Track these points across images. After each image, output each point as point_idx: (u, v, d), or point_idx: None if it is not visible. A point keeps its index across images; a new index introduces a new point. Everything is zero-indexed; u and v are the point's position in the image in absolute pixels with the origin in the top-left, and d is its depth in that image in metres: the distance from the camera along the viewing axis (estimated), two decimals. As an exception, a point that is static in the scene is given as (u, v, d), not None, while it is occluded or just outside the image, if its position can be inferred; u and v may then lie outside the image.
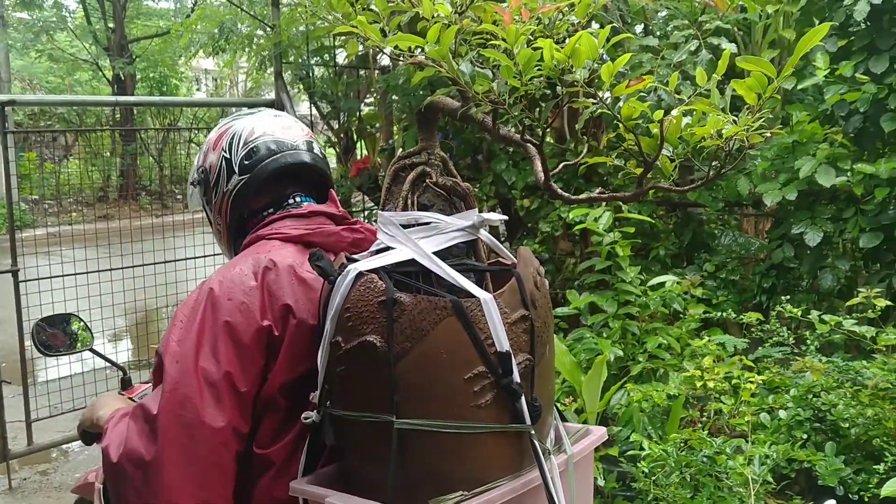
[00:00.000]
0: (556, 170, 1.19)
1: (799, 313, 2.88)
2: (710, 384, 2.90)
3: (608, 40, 1.10)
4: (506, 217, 1.35)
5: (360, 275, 1.23)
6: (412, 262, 1.28)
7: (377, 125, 5.81)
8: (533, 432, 1.22)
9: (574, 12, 1.24)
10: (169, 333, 1.37)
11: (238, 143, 1.57)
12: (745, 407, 2.80)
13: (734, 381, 2.93)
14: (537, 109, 1.15)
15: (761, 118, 1.04)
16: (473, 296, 1.20)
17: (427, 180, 1.38)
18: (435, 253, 1.29)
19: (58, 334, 1.66)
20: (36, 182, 13.75)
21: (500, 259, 1.40)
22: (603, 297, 3.31)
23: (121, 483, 1.31)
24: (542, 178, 1.16)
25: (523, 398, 1.21)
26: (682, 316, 3.38)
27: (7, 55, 14.75)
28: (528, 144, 1.21)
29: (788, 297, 3.37)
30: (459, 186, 1.37)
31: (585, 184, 4.18)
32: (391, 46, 1.14)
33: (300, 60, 5.53)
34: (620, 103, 1.06)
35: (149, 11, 18.19)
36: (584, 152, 1.27)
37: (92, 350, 1.74)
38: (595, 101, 1.07)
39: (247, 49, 6.39)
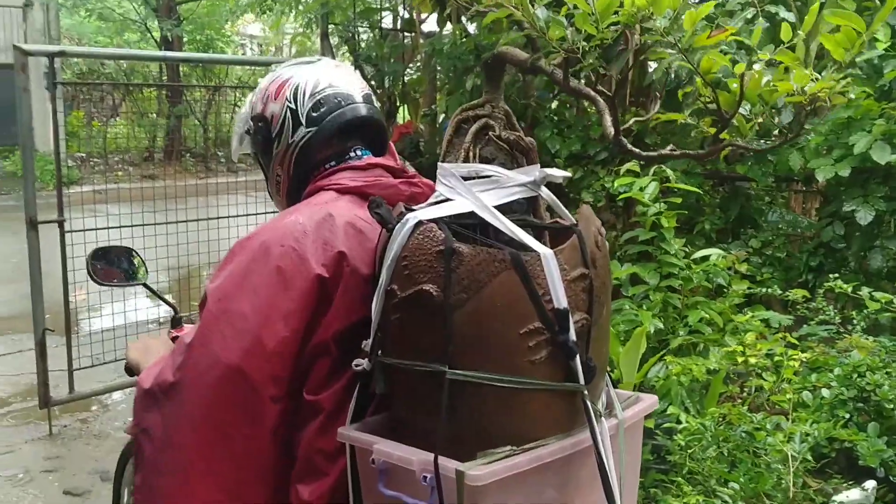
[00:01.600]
0: (628, 125, 1.16)
1: (849, 289, 2.82)
2: (752, 360, 2.86)
3: (685, -9, 1.07)
4: (569, 174, 1.32)
5: (419, 224, 1.22)
6: (472, 214, 1.26)
7: (421, 90, 5.76)
8: (586, 392, 1.21)
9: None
10: (220, 268, 1.39)
11: (304, 95, 1.55)
12: (786, 384, 2.76)
13: (776, 359, 2.89)
14: (610, 61, 1.11)
15: (848, 76, 1.00)
16: (533, 251, 1.18)
17: (490, 133, 1.36)
18: (495, 207, 1.28)
19: (114, 265, 1.68)
20: (83, 140, 13.98)
21: (558, 219, 1.37)
22: (645, 268, 3.26)
23: (150, 410, 1.35)
24: (612, 132, 1.13)
25: (578, 357, 1.19)
26: (725, 291, 3.33)
27: (57, 13, 14.87)
28: (599, 97, 1.18)
29: (836, 276, 3.30)
30: (523, 141, 1.35)
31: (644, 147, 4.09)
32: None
33: (346, 22, 5.50)
34: (699, 56, 1.02)
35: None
36: (656, 106, 1.24)
37: (146, 286, 1.75)
38: (673, 52, 1.03)
39: (293, 10, 6.37)
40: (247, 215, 4.79)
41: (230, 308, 1.34)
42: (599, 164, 4.32)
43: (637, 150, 1.23)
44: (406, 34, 5.71)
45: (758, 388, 2.83)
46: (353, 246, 1.39)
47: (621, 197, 3.46)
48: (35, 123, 3.57)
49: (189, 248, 4.67)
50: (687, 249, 3.38)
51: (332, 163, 1.57)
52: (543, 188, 1.34)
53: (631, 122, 1.23)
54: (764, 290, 3.23)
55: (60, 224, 3.85)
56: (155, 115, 15.13)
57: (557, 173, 1.31)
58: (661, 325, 3.06)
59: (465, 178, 1.30)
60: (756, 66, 1.04)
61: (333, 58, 4.92)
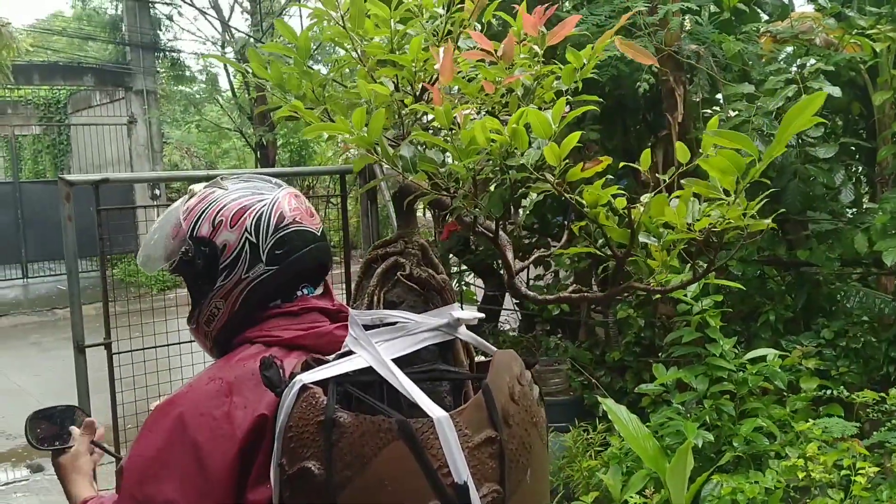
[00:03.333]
0: (530, 260, 1.01)
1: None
2: (815, 475, 2.52)
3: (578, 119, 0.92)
4: (482, 315, 1.17)
5: (303, 388, 1.08)
6: (372, 369, 1.12)
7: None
8: (503, 581, 1.02)
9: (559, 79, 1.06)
10: (139, 438, 1.31)
11: (267, 228, 1.44)
12: (855, 502, 2.41)
13: (844, 472, 2.54)
14: (483, 196, 0.97)
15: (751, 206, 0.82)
16: (426, 415, 1.02)
17: (399, 273, 1.22)
18: (400, 358, 1.13)
19: (55, 427, 1.62)
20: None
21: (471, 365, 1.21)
22: (693, 371, 2.98)
23: None
24: (506, 276, 0.98)
25: (489, 538, 1.01)
26: (785, 394, 3.00)
27: (159, 128, 15.92)
28: (500, 238, 1.03)
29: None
30: (434, 279, 1.21)
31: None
32: (320, 134, 1.01)
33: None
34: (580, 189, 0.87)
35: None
36: (563, 239, 1.08)
37: (95, 443, 1.68)
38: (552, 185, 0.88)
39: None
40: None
41: (153, 494, 1.26)
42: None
43: (533, 294, 1.08)
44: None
45: (823, 508, 2.48)
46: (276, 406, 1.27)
47: (657, 296, 3.22)
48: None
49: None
50: (738, 350, 3.08)
51: (278, 300, 1.47)
52: (462, 328, 1.19)
53: (534, 256, 1.08)
54: (829, 392, 2.88)
55: (108, 346, 3.90)
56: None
57: (469, 315, 1.16)
58: (711, 438, 2.76)
59: (369, 327, 1.16)
60: (644, 198, 0.87)
61: (380, 165, 4.93)
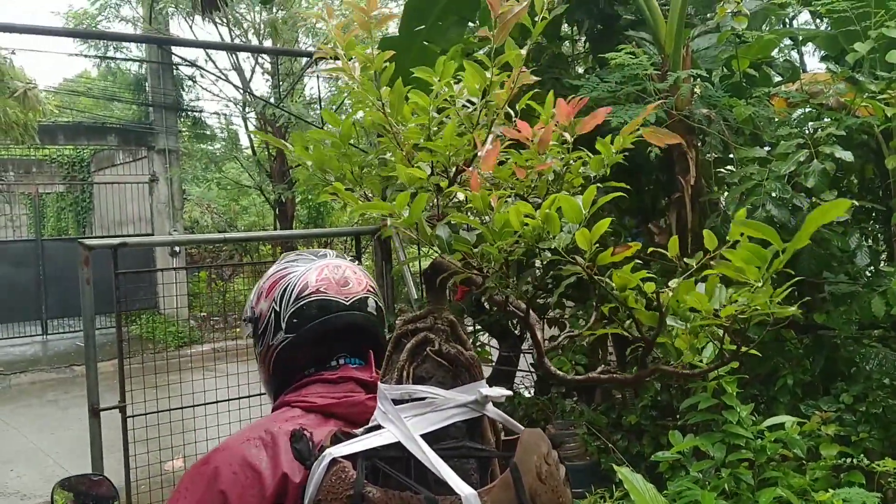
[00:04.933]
0: (558, 341, 1.03)
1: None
2: (840, 549, 2.48)
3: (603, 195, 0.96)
4: (510, 393, 1.19)
5: (333, 461, 1.10)
6: (401, 444, 1.14)
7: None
8: None
9: (588, 166, 1.11)
10: (176, 493, 1.34)
11: (289, 298, 1.51)
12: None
13: (869, 547, 2.50)
14: (514, 277, 1.01)
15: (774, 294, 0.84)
16: (454, 493, 1.04)
17: (429, 348, 1.25)
18: (428, 434, 1.15)
19: (80, 496, 1.63)
20: (205, 300, 14.76)
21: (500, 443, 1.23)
22: (710, 439, 2.96)
23: None
24: (536, 354, 1.00)
25: None
26: (804, 462, 2.96)
27: (180, 186, 16.17)
28: (531, 318, 1.06)
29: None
30: (462, 356, 1.23)
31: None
32: (359, 213, 1.05)
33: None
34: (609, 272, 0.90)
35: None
36: (592, 319, 1.11)
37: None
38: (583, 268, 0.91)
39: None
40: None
41: None
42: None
43: (561, 374, 1.09)
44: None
45: (848, 583, 2.43)
46: (298, 468, 1.30)
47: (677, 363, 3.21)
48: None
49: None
50: (755, 417, 3.05)
51: (312, 369, 1.52)
52: (490, 406, 1.21)
53: (562, 337, 1.10)
54: (849, 459, 2.84)
55: (122, 409, 3.92)
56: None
57: (497, 393, 1.18)
58: (729, 507, 2.73)
59: (398, 402, 1.18)
60: (673, 284, 0.90)
61: (398, 234, 4.99)
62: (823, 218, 0.77)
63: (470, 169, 0.99)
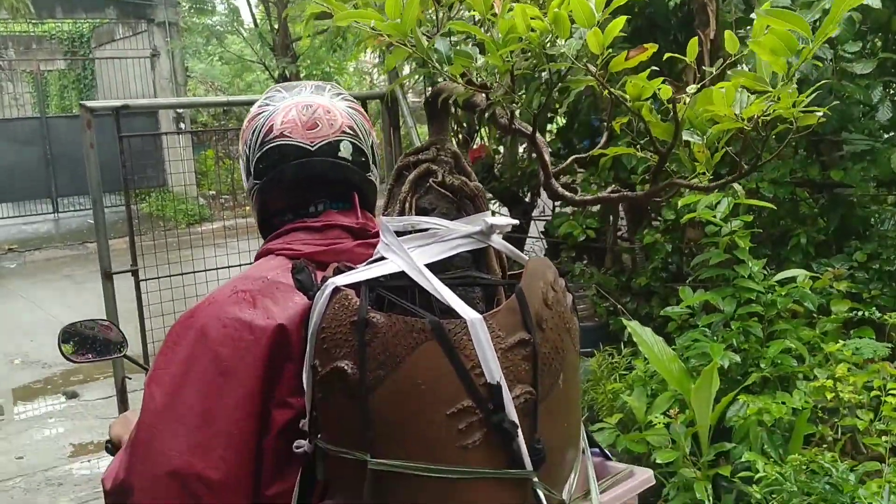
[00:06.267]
0: (567, 162, 0.98)
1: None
2: (845, 395, 2.51)
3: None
4: (516, 221, 1.15)
5: (336, 290, 1.08)
6: (403, 275, 1.11)
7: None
8: (536, 480, 1.02)
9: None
10: (161, 353, 1.28)
11: (256, 141, 1.42)
12: (885, 424, 2.40)
13: (874, 393, 2.53)
14: (522, 91, 0.94)
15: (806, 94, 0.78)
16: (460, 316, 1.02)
17: (431, 180, 1.20)
18: (433, 264, 1.12)
19: (87, 340, 1.64)
20: (213, 178, 14.74)
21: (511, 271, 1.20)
22: (720, 293, 2.96)
23: None
24: (542, 176, 0.96)
25: (521, 439, 1.01)
26: (815, 316, 2.97)
27: (182, 60, 15.78)
28: (537, 138, 1.00)
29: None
30: (467, 186, 1.19)
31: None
32: (344, 23, 0.97)
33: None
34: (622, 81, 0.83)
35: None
36: (603, 139, 1.05)
37: (127, 357, 1.71)
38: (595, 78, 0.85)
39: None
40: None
41: (176, 403, 1.22)
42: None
43: (570, 195, 1.04)
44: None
45: (851, 428, 2.47)
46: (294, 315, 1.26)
47: (686, 218, 3.17)
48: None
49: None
50: (767, 271, 3.04)
51: (289, 216, 1.44)
52: (496, 237, 1.17)
53: (570, 159, 1.05)
54: (861, 313, 2.84)
55: (135, 273, 3.95)
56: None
57: (503, 221, 1.14)
58: (737, 359, 2.75)
59: (401, 233, 1.15)
60: (690, 89, 0.83)
61: (402, 88, 4.84)
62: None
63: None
